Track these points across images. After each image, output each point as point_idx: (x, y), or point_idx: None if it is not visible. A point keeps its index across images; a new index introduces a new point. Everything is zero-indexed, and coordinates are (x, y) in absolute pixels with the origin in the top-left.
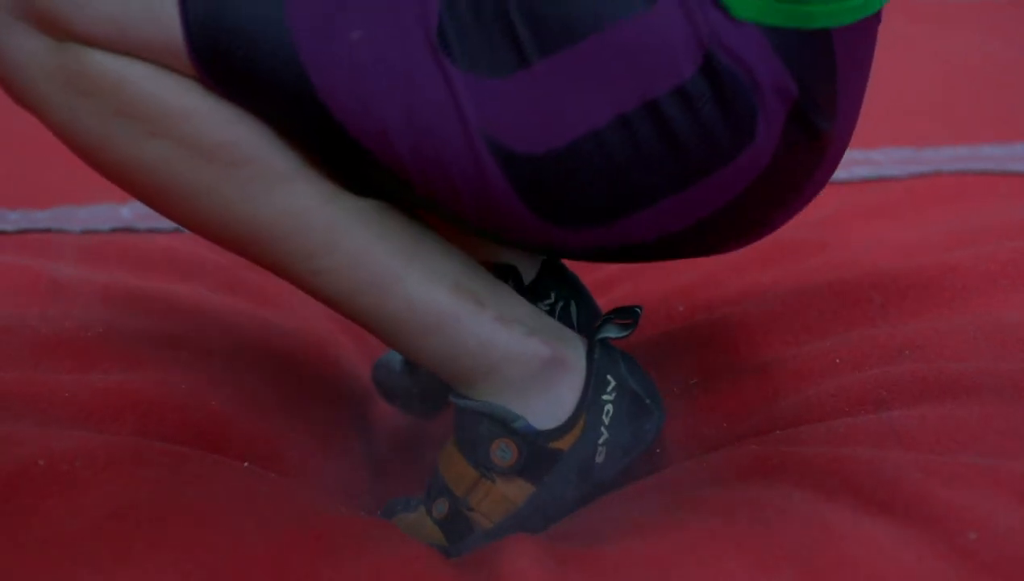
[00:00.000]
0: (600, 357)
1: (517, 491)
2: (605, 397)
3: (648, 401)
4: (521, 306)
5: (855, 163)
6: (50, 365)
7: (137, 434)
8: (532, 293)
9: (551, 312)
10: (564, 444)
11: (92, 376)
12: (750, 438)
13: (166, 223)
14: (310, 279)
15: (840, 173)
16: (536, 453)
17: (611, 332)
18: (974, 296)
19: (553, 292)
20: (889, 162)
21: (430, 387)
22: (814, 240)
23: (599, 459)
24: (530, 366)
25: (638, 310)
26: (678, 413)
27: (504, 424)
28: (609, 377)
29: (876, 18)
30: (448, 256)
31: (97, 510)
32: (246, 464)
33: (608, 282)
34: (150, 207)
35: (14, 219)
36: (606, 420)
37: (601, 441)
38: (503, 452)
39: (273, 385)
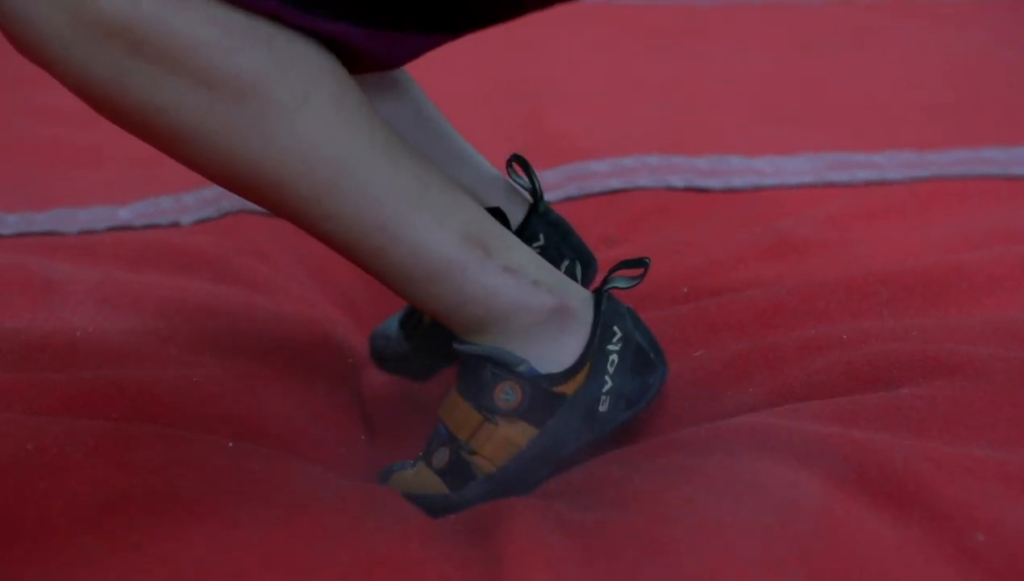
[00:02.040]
0: (607, 308)
1: (520, 433)
2: (610, 347)
3: (652, 356)
4: (528, 255)
5: (856, 166)
6: (39, 363)
7: (126, 419)
8: (520, 236)
9: (543, 254)
10: (568, 389)
11: (82, 372)
12: (759, 409)
13: (163, 221)
14: (320, 225)
15: (841, 175)
16: (540, 396)
17: (619, 283)
18: (982, 296)
19: (542, 234)
20: (891, 165)
21: (427, 352)
22: (817, 239)
23: (603, 408)
24: (536, 315)
25: (647, 261)
26: (682, 383)
27: (508, 367)
28: (615, 328)
29: None
30: (456, 201)
31: (90, 500)
32: (236, 443)
33: (610, 263)
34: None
35: (13, 222)
36: (610, 369)
37: (605, 390)
38: (507, 394)
39: (264, 364)
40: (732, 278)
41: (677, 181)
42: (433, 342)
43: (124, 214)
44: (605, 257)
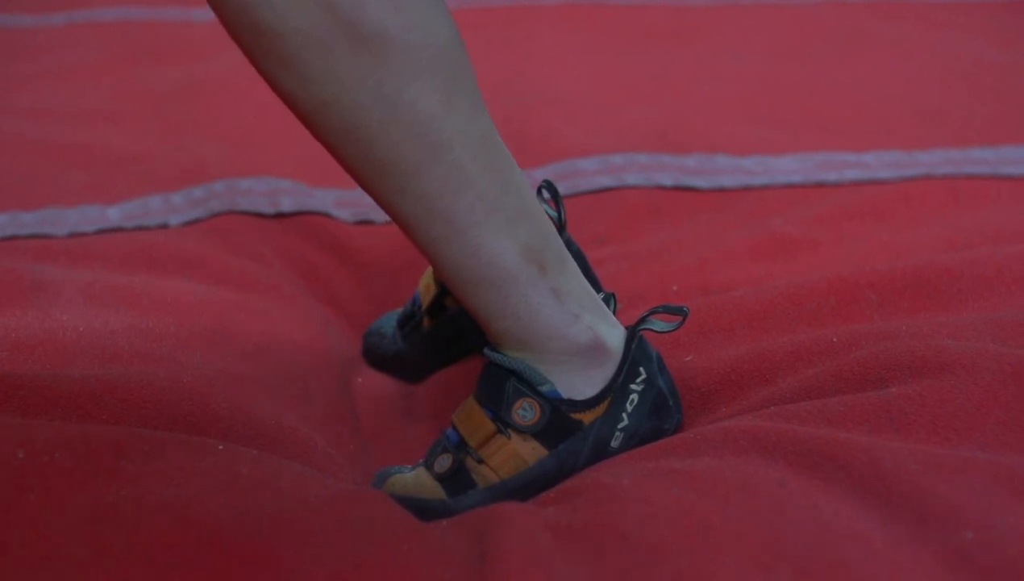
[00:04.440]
0: (637, 348)
1: (530, 451)
2: (633, 386)
3: (671, 403)
4: (577, 282)
5: (845, 166)
6: (28, 364)
7: (116, 421)
8: None
9: None
10: (586, 418)
11: (72, 373)
12: (748, 413)
13: (152, 222)
14: (391, 196)
15: (830, 175)
16: (557, 419)
17: (656, 326)
18: (972, 296)
19: None
20: (880, 165)
21: (422, 355)
22: (806, 237)
23: (614, 443)
24: (571, 346)
25: (685, 310)
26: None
27: (532, 385)
28: (641, 369)
29: None
30: (527, 212)
31: (77, 512)
32: (225, 446)
33: (600, 262)
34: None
35: (2, 223)
36: (629, 408)
37: (620, 426)
38: (525, 411)
39: (255, 364)
40: (721, 277)
41: (666, 180)
42: (429, 347)
43: (113, 215)
44: (596, 256)
